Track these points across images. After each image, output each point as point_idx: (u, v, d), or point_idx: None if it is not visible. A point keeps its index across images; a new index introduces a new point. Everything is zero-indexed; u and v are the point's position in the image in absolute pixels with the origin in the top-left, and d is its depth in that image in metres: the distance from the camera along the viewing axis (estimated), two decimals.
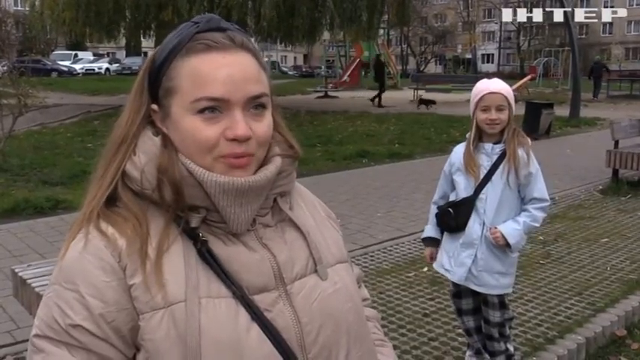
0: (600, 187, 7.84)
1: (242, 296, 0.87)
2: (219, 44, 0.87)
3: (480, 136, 2.77)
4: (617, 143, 8.18)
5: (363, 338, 1.01)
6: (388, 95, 25.25)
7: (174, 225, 0.89)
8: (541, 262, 4.85)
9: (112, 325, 0.84)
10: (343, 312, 0.96)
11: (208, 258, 0.88)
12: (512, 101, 2.69)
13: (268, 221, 0.96)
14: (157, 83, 0.90)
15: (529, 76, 29.27)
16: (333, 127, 13.98)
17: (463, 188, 2.78)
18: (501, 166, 2.69)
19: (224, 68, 0.86)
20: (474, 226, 2.74)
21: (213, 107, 0.86)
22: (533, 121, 12.95)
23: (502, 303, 2.86)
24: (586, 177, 8.49)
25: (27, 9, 28.13)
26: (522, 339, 3.46)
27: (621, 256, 5.04)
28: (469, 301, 2.95)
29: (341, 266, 1.02)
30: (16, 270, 3.04)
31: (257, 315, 0.87)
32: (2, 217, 6.07)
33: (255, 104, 0.89)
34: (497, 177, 2.70)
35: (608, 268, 4.71)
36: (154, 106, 0.92)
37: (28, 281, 2.86)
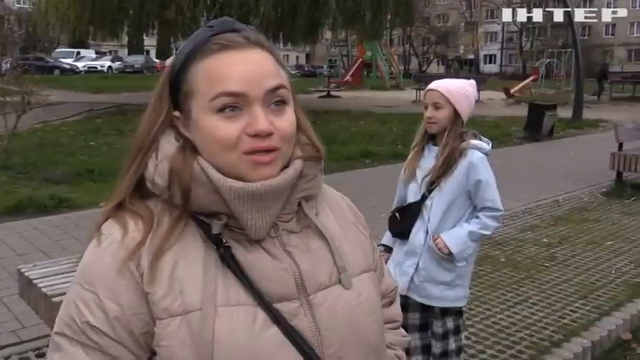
0: (604, 190, 7.84)
1: (263, 302, 0.86)
2: (234, 43, 0.87)
3: (435, 137, 2.58)
4: (621, 145, 8.18)
5: (382, 354, 1.00)
6: (390, 95, 25.23)
7: (198, 231, 0.89)
8: (546, 264, 4.84)
9: (127, 329, 0.84)
10: (365, 325, 0.94)
11: (231, 263, 0.87)
12: (454, 100, 2.49)
13: (293, 227, 0.94)
14: (177, 89, 0.90)
15: (531, 77, 29.28)
16: (336, 127, 13.96)
17: (412, 193, 2.63)
18: (451, 171, 2.50)
19: (240, 64, 0.86)
20: (417, 233, 2.58)
21: (233, 105, 0.85)
22: (536, 122, 12.97)
23: (444, 311, 2.63)
24: (589, 179, 8.47)
25: (30, 7, 28.16)
26: (528, 342, 3.46)
27: (626, 259, 5.03)
28: (416, 316, 2.71)
29: (366, 275, 0.99)
30: (22, 270, 3.04)
31: (278, 320, 0.86)
32: (6, 215, 6.08)
33: (275, 99, 0.88)
34: (445, 182, 2.51)
35: (613, 272, 4.70)
36: (176, 113, 0.91)
37: (34, 281, 2.86)
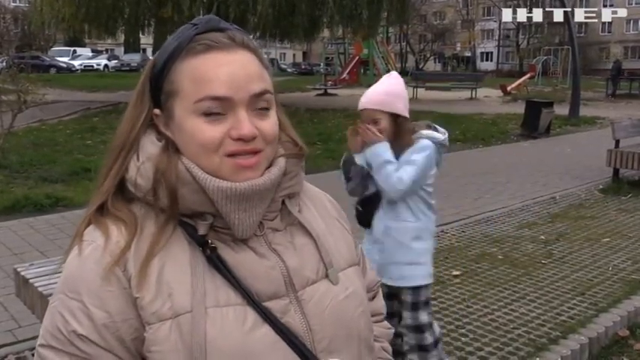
0: (601, 187, 7.84)
1: (252, 301, 0.85)
2: (220, 44, 0.85)
3: None
4: (617, 142, 8.19)
5: (372, 345, 1.01)
6: None
7: (183, 233, 0.88)
8: (543, 261, 4.85)
9: (116, 336, 0.82)
10: (354, 318, 0.95)
11: (218, 264, 0.86)
12: (387, 107, 2.52)
13: (277, 225, 0.94)
14: (158, 88, 0.89)
15: (528, 75, 29.29)
16: (332, 125, 13.94)
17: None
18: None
19: (225, 67, 0.84)
20: (379, 222, 2.68)
21: (217, 109, 0.84)
22: (534, 119, 12.99)
23: (415, 304, 2.67)
24: (586, 176, 8.49)
25: (26, 5, 28.05)
26: (525, 339, 3.46)
27: (623, 256, 5.03)
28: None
29: (352, 269, 1.00)
30: (18, 269, 3.03)
31: (268, 318, 0.85)
32: (2, 215, 6.06)
33: (259, 104, 0.87)
34: None
35: (610, 268, 4.70)
36: (157, 111, 0.89)
37: (31, 281, 2.85)
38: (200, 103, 0.84)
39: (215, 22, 0.89)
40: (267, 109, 0.88)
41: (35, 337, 3.05)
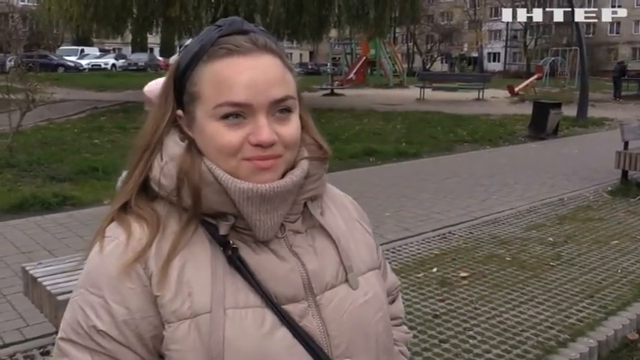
0: (609, 189, 7.79)
1: (271, 303, 0.85)
2: (241, 48, 0.85)
3: None
4: (626, 144, 8.14)
5: (391, 350, 1.00)
6: (393, 93, 25.18)
7: (205, 233, 0.88)
8: (551, 263, 4.82)
9: (136, 333, 0.83)
10: (373, 324, 0.94)
11: (239, 265, 0.86)
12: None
13: (298, 227, 0.93)
14: (181, 89, 0.89)
15: (536, 76, 29.19)
16: (339, 126, 13.94)
17: None
18: None
19: (246, 72, 0.84)
20: None
21: (237, 113, 0.84)
22: (541, 120, 12.96)
23: None
24: (594, 178, 8.44)
25: (34, 4, 28.21)
26: (534, 342, 3.44)
27: (632, 258, 5.00)
28: None
29: (372, 273, 0.99)
30: (27, 268, 3.04)
31: (287, 321, 0.85)
32: (10, 213, 6.08)
33: (280, 108, 0.87)
34: None
35: (619, 271, 4.67)
36: (179, 112, 0.90)
37: (39, 279, 2.86)
38: (220, 108, 0.84)
39: (238, 24, 0.89)
40: (288, 113, 0.88)
41: (43, 336, 3.06)
